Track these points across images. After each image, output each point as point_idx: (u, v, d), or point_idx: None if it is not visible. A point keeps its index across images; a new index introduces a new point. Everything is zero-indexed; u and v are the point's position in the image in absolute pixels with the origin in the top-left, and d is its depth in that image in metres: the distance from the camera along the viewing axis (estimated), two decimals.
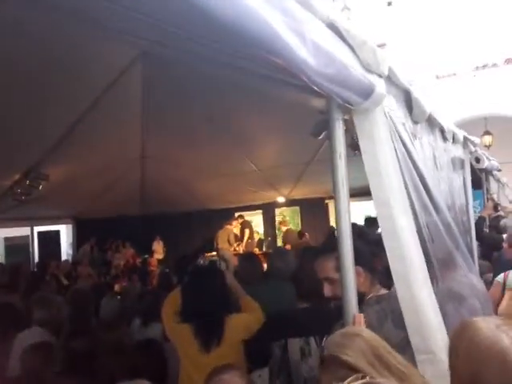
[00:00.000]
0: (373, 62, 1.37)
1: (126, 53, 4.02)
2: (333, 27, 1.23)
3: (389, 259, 1.53)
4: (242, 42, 1.03)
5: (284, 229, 11.54)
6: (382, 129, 1.50)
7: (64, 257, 12.18)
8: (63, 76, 3.92)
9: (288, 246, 9.89)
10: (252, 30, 0.95)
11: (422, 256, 1.58)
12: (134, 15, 1.95)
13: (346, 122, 1.55)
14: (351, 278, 1.45)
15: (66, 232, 12.74)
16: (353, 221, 1.52)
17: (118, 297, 4.66)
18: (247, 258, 4.79)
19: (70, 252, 12.16)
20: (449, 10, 12.22)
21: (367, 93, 1.39)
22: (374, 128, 1.47)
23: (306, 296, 2.65)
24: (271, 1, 0.95)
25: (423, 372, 1.46)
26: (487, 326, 1.17)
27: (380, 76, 1.45)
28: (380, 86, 1.44)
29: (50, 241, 12.54)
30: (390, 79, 1.61)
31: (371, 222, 7.12)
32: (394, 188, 1.54)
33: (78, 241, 11.74)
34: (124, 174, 7.84)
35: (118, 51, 3.89)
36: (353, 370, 1.21)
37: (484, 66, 12.58)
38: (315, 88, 1.28)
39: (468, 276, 2.11)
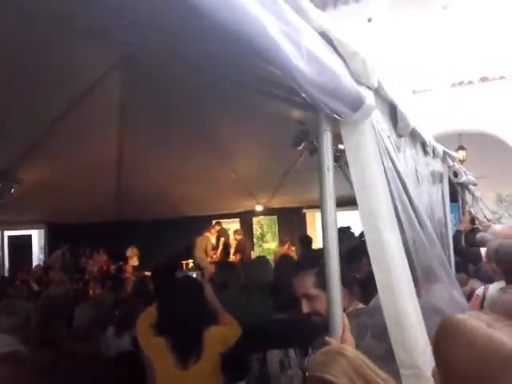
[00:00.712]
0: (363, 73, 1.36)
1: (105, 57, 3.96)
2: (325, 36, 1.21)
3: (374, 271, 1.51)
4: (236, 46, 1.00)
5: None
6: (370, 141, 1.49)
7: (35, 262, 11.87)
8: (39, 79, 3.84)
9: None
10: (248, 34, 0.92)
11: (408, 268, 1.57)
12: (116, 19, 1.92)
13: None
14: (337, 289, 1.43)
15: (37, 236, 12.43)
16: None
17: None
18: (225, 266, 4.76)
19: (42, 257, 11.87)
20: (427, 27, 12.50)
21: (357, 104, 1.37)
22: (362, 140, 1.47)
23: (284, 307, 2.62)
24: (267, 6, 0.93)
25: None
26: (478, 324, 1.16)
27: (369, 88, 1.45)
28: (369, 98, 1.43)
29: (21, 246, 12.23)
30: (378, 92, 1.60)
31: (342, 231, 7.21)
32: (381, 200, 1.53)
33: (50, 246, 11.47)
34: (99, 179, 7.70)
35: (97, 55, 3.83)
36: None
37: (460, 83, 12.89)
38: (306, 97, 1.27)
39: (449, 289, 2.11)
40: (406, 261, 1.57)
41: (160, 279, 3.62)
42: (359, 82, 1.38)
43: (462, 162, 10.97)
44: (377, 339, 1.77)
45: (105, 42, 3.13)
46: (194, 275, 2.94)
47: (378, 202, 1.52)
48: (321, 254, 1.48)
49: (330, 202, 1.41)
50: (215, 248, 11.39)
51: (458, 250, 3.93)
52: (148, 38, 2.40)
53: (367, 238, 1.53)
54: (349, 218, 11.09)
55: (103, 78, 4.25)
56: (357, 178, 1.51)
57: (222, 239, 11.46)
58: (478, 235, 4.66)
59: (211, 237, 11.45)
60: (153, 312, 2.81)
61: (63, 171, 6.70)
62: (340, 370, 1.25)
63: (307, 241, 8.38)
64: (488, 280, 3.17)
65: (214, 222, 11.89)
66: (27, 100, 4.12)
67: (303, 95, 1.30)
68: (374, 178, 1.50)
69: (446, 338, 1.20)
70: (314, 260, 2.13)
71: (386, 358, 1.60)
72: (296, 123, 5.22)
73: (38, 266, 10.32)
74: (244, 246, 11.22)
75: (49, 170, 6.55)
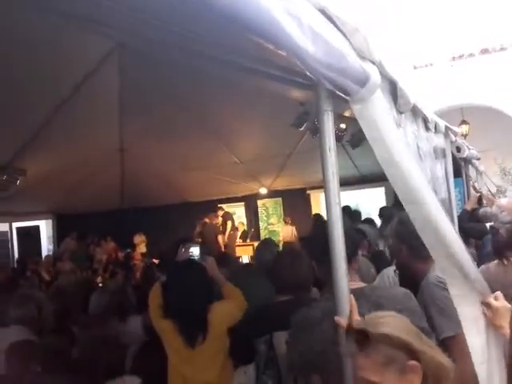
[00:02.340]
0: (365, 48, 1.36)
1: (103, 44, 3.95)
2: (324, 14, 1.21)
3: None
4: (235, 26, 1.01)
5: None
6: (385, 116, 1.51)
7: (45, 252, 11.98)
8: (38, 69, 3.84)
9: None
10: (249, 13, 0.93)
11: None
12: (111, 5, 1.91)
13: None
14: (343, 269, 1.44)
15: (45, 227, 12.52)
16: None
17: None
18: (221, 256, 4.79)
19: (51, 247, 11.97)
20: (426, 0, 12.32)
21: (363, 80, 1.37)
22: (377, 116, 1.46)
23: (285, 289, 2.64)
24: None
25: None
26: None
27: (373, 63, 1.44)
28: (374, 73, 1.42)
29: (30, 236, 12.32)
30: (378, 68, 1.60)
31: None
32: (411, 174, 1.59)
33: (58, 236, 11.55)
34: (103, 168, 7.74)
35: (94, 42, 3.82)
36: (401, 345, 1.22)
37: (460, 56, 12.73)
38: (310, 76, 1.26)
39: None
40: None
41: (169, 260, 3.66)
42: (363, 58, 1.37)
43: (464, 136, 10.90)
44: None
45: (101, 29, 3.12)
46: (196, 250, 2.95)
47: (408, 176, 1.58)
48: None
49: (333, 182, 1.41)
50: (222, 232, 11.44)
51: (462, 228, 3.94)
52: (143, 24, 2.39)
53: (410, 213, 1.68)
54: (354, 198, 11.12)
55: (101, 66, 4.25)
56: (381, 155, 1.50)
57: (230, 222, 11.50)
58: (481, 210, 4.65)
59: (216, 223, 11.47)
60: (158, 292, 2.86)
61: (66, 161, 6.73)
62: (399, 326, 1.26)
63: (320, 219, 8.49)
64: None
65: (218, 206, 11.94)
66: (27, 91, 4.12)
67: (308, 74, 1.30)
68: (398, 150, 1.52)
69: None
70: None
71: None
72: (297, 104, 5.21)
73: (48, 256, 10.41)
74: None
75: (52, 160, 6.58)
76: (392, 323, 1.27)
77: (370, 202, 10.70)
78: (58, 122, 5.01)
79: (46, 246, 12.49)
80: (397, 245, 2.51)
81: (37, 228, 12.51)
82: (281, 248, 4.23)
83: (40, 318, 3.16)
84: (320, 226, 1.83)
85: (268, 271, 3.47)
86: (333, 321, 1.51)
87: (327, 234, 1.46)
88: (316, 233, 2.13)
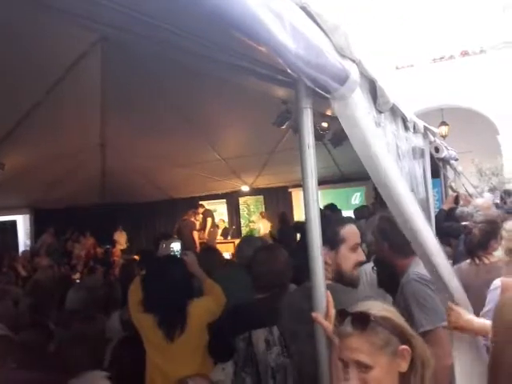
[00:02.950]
0: (346, 46, 1.37)
1: (85, 37, 3.90)
2: (305, 11, 1.22)
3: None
4: (216, 20, 1.01)
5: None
6: (364, 114, 1.53)
7: (22, 247, 11.78)
8: (19, 62, 3.77)
9: None
10: (229, 8, 0.94)
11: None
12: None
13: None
14: (319, 265, 1.46)
15: (23, 222, 12.31)
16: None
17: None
18: (206, 249, 4.80)
19: (28, 242, 11.78)
20: (408, 2, 12.46)
21: (343, 78, 1.38)
22: (357, 114, 1.48)
23: (262, 287, 2.65)
24: None
25: None
26: None
27: (353, 61, 1.46)
28: (354, 71, 1.44)
29: (6, 231, 12.10)
30: (357, 67, 1.62)
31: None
32: (389, 172, 1.62)
33: (36, 231, 11.38)
34: (83, 162, 7.64)
35: (77, 36, 3.76)
36: (397, 329, 1.26)
37: (441, 58, 12.92)
38: (290, 73, 1.27)
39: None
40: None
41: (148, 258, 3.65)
42: (343, 56, 1.38)
43: (444, 137, 11.09)
44: None
45: (83, 22, 3.08)
46: (177, 245, 2.94)
47: (386, 173, 1.61)
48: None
49: (311, 179, 1.43)
50: (202, 229, 11.42)
51: (439, 227, 4.01)
52: (128, 18, 2.37)
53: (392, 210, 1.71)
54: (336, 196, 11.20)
55: (83, 60, 4.19)
56: (361, 153, 1.53)
57: (210, 219, 11.49)
58: (458, 210, 4.74)
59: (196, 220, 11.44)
60: (138, 288, 2.86)
61: (46, 155, 6.63)
62: (393, 313, 1.30)
63: (284, 218, 8.68)
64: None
65: (199, 203, 11.91)
66: (7, 83, 4.05)
67: (288, 70, 1.31)
68: (377, 148, 1.55)
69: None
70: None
71: None
72: (279, 102, 5.23)
73: (25, 251, 10.25)
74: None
75: (31, 154, 6.47)
76: (385, 310, 1.31)
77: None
78: (37, 115, 4.93)
79: (24, 241, 12.28)
80: (378, 241, 2.55)
81: (14, 223, 12.30)
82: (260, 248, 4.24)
83: (16, 313, 3.12)
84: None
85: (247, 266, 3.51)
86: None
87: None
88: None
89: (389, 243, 2.49)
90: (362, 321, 1.27)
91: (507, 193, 6.34)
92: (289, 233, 6.46)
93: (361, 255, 1.99)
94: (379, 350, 1.25)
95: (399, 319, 1.30)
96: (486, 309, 2.43)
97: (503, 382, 1.52)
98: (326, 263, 1.92)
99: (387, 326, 1.26)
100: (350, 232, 1.98)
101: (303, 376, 1.88)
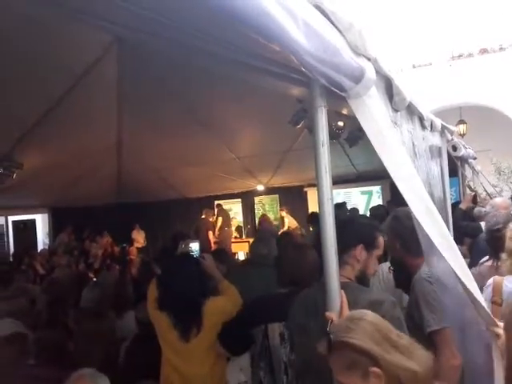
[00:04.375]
0: (360, 44, 1.36)
1: (101, 39, 3.94)
2: (319, 9, 1.21)
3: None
4: (230, 21, 1.01)
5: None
6: (380, 112, 1.51)
7: (40, 246, 11.96)
8: (36, 63, 3.82)
9: None
10: (243, 7, 0.93)
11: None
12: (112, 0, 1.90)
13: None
14: (333, 263, 1.45)
15: (41, 221, 12.48)
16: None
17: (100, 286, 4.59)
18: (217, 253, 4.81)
19: (47, 241, 11.94)
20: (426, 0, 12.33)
21: (358, 76, 1.37)
22: (374, 112, 1.46)
23: (286, 282, 2.65)
24: None
25: None
26: None
27: (368, 59, 1.44)
28: (369, 69, 1.42)
29: (26, 230, 12.30)
30: (373, 65, 1.60)
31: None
32: (410, 170, 1.62)
33: (55, 230, 11.53)
34: (100, 162, 7.72)
35: (93, 37, 3.80)
36: (362, 352, 1.25)
37: (459, 56, 12.74)
38: (305, 72, 1.26)
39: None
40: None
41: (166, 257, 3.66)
42: (357, 54, 1.37)
43: (462, 135, 10.94)
44: None
45: (99, 23, 3.10)
46: (196, 245, 2.96)
47: (408, 171, 1.61)
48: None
49: (325, 177, 1.42)
50: (218, 228, 11.42)
51: (456, 226, 3.95)
52: (141, 19, 2.38)
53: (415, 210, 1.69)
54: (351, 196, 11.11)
55: (99, 61, 4.23)
56: (379, 149, 1.51)
57: (220, 218, 11.49)
58: (476, 210, 4.67)
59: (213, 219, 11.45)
60: (155, 286, 2.88)
61: (64, 155, 6.71)
62: (364, 333, 1.28)
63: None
64: (485, 254, 3.18)
65: (216, 203, 11.94)
66: (25, 85, 4.11)
67: (303, 69, 1.30)
68: (396, 146, 1.53)
69: None
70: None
71: None
72: (295, 101, 5.21)
73: (44, 250, 10.39)
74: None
75: (49, 154, 6.55)
76: (360, 329, 1.29)
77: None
78: (55, 115, 4.99)
79: (42, 240, 12.45)
80: (391, 240, 2.53)
81: (33, 222, 12.49)
82: (281, 239, 4.21)
83: (33, 311, 3.17)
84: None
85: (267, 264, 3.51)
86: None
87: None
88: None
89: (400, 242, 2.48)
90: (328, 343, 1.32)
91: None
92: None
93: (377, 265, 2.11)
94: (347, 370, 1.27)
95: (372, 338, 1.27)
96: None
97: None
98: (356, 260, 1.94)
99: (350, 349, 1.27)
100: (382, 242, 2.08)
101: (311, 371, 1.87)
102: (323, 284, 1.52)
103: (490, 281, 2.54)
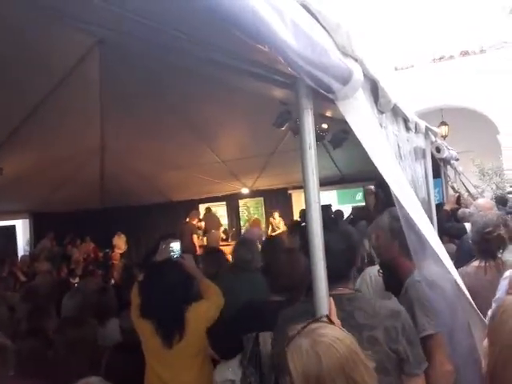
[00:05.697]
0: (348, 45, 1.34)
1: (83, 41, 3.87)
2: (307, 9, 1.18)
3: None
4: (216, 22, 0.97)
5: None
6: (367, 113, 1.49)
7: (21, 252, 11.73)
8: (17, 66, 3.74)
9: None
10: (230, 6, 0.90)
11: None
12: (92, 1, 1.86)
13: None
14: (321, 268, 1.42)
15: (22, 227, 12.25)
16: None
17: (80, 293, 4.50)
18: (210, 251, 4.77)
19: (28, 248, 11.72)
20: (408, 2, 12.45)
21: (346, 77, 1.34)
22: (362, 113, 1.44)
23: (279, 289, 2.61)
24: None
25: None
26: None
27: (355, 60, 1.42)
28: (357, 70, 1.40)
29: (6, 236, 12.03)
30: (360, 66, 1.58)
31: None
32: (397, 172, 1.60)
33: (36, 236, 11.33)
34: (82, 166, 7.61)
35: (75, 39, 3.74)
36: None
37: (441, 58, 12.91)
38: (291, 72, 1.23)
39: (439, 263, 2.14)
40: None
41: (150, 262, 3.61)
42: (345, 54, 1.35)
43: (444, 137, 11.05)
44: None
45: (81, 25, 3.05)
46: (177, 245, 2.93)
47: (399, 172, 1.60)
48: None
49: (312, 180, 1.39)
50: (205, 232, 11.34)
51: (441, 227, 3.97)
52: (123, 21, 2.34)
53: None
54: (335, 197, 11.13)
55: (81, 63, 4.17)
56: (369, 150, 1.49)
57: (201, 224, 11.41)
58: (460, 211, 4.71)
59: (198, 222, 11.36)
60: (137, 292, 2.83)
61: (45, 159, 6.59)
62: (301, 365, 1.12)
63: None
64: (470, 254, 3.19)
65: (204, 206, 11.88)
66: (5, 88, 4.01)
67: (288, 72, 1.27)
68: (385, 147, 1.52)
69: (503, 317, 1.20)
70: None
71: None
72: (279, 104, 5.20)
73: (25, 256, 10.20)
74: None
75: (30, 158, 6.44)
76: (309, 357, 1.13)
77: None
78: (36, 119, 4.90)
79: (23, 246, 12.22)
80: (388, 240, 2.49)
81: (13, 228, 12.25)
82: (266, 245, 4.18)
83: (13, 320, 3.07)
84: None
85: (251, 269, 3.48)
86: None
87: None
88: None
89: (400, 242, 2.42)
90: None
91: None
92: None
93: None
94: None
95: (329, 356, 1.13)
96: (496, 296, 2.41)
97: None
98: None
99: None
100: None
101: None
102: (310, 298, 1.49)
103: (507, 273, 2.49)
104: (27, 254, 10.91)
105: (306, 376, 1.11)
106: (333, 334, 1.18)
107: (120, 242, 11.59)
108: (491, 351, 1.22)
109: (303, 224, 2.21)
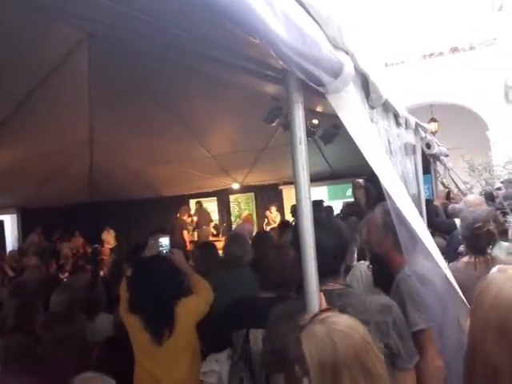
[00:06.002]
0: (339, 37, 1.32)
1: (72, 34, 3.83)
2: (298, 1, 1.17)
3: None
4: (207, 14, 0.96)
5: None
6: (359, 107, 1.49)
7: (9, 248, 11.61)
8: (5, 59, 3.69)
9: None
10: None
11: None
12: None
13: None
14: (312, 265, 1.42)
15: (10, 222, 12.14)
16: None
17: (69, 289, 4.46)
18: (202, 246, 4.76)
19: (16, 243, 11.62)
20: None
21: (337, 71, 1.33)
22: (353, 108, 1.44)
23: (269, 285, 2.60)
24: None
25: None
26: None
27: (346, 53, 1.41)
28: (348, 63, 1.39)
29: None
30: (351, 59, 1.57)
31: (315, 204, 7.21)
32: (389, 166, 1.60)
33: (24, 231, 11.23)
34: (71, 160, 7.54)
35: (64, 33, 3.70)
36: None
37: (431, 55, 12.95)
38: (282, 64, 1.22)
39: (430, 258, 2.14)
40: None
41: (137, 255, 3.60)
42: (336, 47, 1.33)
43: (433, 133, 11.11)
44: None
45: (70, 19, 3.01)
46: (166, 240, 2.91)
47: (390, 167, 1.60)
48: None
49: (303, 175, 1.38)
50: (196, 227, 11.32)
51: (431, 223, 3.99)
52: (113, 14, 2.31)
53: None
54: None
55: (69, 57, 4.12)
56: (360, 145, 1.48)
57: (194, 218, 11.39)
58: (450, 207, 4.75)
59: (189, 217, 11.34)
60: (125, 287, 2.81)
61: (33, 153, 6.51)
62: (315, 350, 1.12)
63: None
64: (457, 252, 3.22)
65: (194, 201, 11.85)
66: None
67: (279, 67, 1.26)
68: (376, 142, 1.51)
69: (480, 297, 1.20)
70: None
71: None
72: (270, 99, 5.18)
73: (13, 251, 10.10)
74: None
75: (17, 153, 6.35)
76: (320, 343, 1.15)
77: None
78: (24, 113, 4.83)
79: (11, 241, 12.10)
80: (382, 234, 2.48)
81: (1, 223, 12.13)
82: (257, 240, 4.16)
83: (0, 315, 3.04)
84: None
85: (242, 265, 3.47)
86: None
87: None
88: None
89: (394, 237, 2.41)
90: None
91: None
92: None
93: None
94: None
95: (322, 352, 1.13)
96: None
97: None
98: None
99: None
100: None
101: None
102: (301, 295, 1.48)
103: (495, 269, 2.50)
104: (15, 249, 10.81)
105: (321, 364, 1.12)
106: (346, 323, 1.20)
107: (109, 237, 11.53)
108: (471, 329, 1.24)
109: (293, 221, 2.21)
